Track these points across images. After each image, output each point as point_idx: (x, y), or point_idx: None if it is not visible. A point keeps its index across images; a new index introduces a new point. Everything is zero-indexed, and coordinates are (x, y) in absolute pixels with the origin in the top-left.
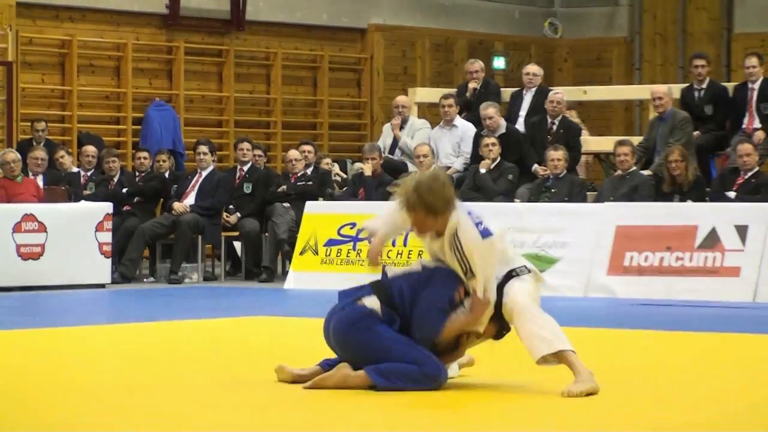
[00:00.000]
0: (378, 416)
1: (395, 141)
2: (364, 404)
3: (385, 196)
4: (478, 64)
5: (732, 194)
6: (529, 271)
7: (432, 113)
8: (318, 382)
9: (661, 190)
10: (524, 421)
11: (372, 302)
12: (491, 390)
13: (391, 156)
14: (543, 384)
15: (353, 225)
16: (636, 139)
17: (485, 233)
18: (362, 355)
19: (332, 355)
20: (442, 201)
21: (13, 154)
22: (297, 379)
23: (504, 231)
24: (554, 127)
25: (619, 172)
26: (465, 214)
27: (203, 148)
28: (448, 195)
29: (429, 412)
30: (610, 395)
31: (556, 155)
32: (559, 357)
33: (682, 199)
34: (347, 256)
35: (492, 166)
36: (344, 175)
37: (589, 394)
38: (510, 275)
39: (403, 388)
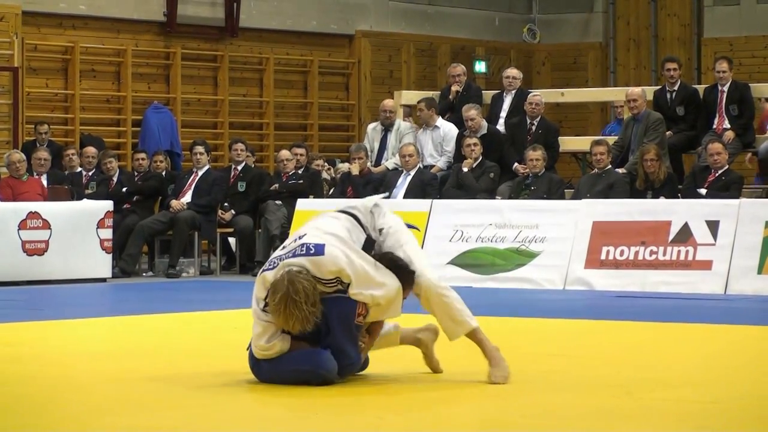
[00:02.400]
0: (371, 413)
1: (383, 144)
2: (362, 402)
3: (372, 194)
4: (460, 68)
5: (703, 191)
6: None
7: (417, 115)
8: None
9: (635, 187)
10: (500, 415)
11: None
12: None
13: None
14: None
15: None
16: (611, 139)
17: (320, 249)
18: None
19: None
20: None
21: (18, 155)
22: None
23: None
24: (533, 128)
25: (596, 170)
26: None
27: (199, 149)
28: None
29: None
30: (591, 382)
31: (535, 155)
32: (468, 334)
33: (655, 196)
34: None
35: (474, 165)
36: (334, 175)
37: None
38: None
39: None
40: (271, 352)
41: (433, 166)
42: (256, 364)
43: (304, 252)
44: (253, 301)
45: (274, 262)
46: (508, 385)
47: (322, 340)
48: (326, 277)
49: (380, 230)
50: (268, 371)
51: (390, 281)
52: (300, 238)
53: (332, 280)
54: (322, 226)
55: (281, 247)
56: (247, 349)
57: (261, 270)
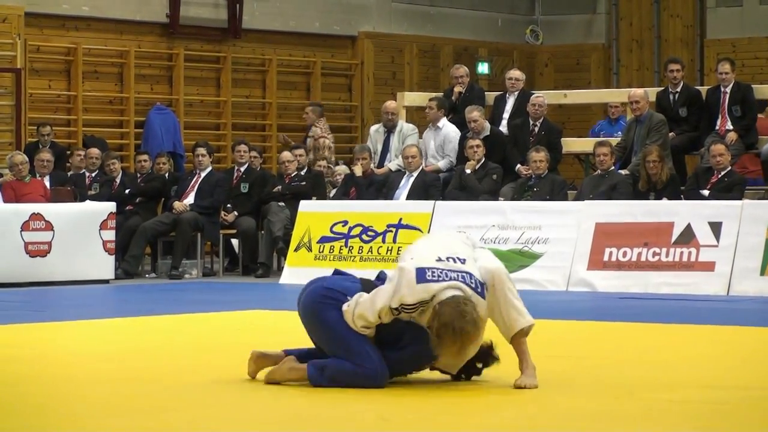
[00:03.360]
0: (373, 414)
1: (386, 145)
2: (364, 402)
3: (375, 195)
4: (463, 70)
5: (706, 192)
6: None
7: (419, 116)
8: (268, 375)
9: (638, 188)
10: (507, 416)
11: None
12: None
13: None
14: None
15: (345, 223)
16: (614, 140)
17: (483, 291)
18: (318, 332)
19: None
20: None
21: (21, 156)
22: (261, 360)
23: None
24: (536, 129)
25: (599, 171)
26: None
27: (202, 150)
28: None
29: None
30: (592, 384)
31: (538, 156)
32: (517, 337)
33: (657, 197)
34: (339, 252)
35: (477, 166)
36: (332, 178)
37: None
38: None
39: (337, 386)
40: (364, 322)
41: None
42: (320, 304)
43: (473, 287)
44: (386, 293)
45: (430, 275)
46: (506, 384)
47: (384, 350)
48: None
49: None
50: (324, 323)
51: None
52: (461, 261)
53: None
54: (471, 259)
55: (437, 257)
56: (304, 291)
57: (420, 273)
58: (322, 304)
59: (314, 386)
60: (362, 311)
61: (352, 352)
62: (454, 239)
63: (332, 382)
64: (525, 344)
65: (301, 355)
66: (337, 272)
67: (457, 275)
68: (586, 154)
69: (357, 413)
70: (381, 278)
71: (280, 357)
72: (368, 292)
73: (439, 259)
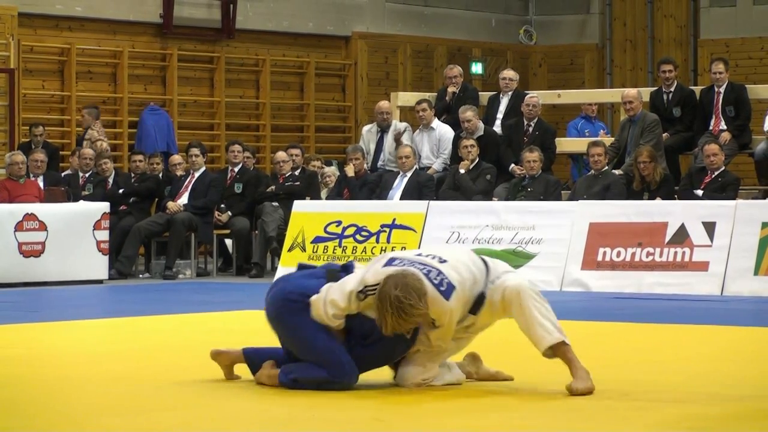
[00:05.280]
0: (368, 414)
1: (379, 145)
2: (360, 403)
3: (369, 196)
4: (456, 70)
5: (700, 192)
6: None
7: (413, 116)
8: (255, 379)
9: (632, 188)
10: (515, 418)
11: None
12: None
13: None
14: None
15: (339, 223)
16: (608, 140)
17: (449, 292)
18: (285, 336)
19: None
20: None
21: (21, 156)
22: (218, 357)
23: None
24: (530, 129)
25: (592, 171)
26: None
27: (195, 151)
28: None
29: (410, 409)
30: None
31: (532, 156)
32: (555, 350)
33: (651, 197)
34: (333, 253)
35: (471, 166)
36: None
37: (586, 393)
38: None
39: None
40: (335, 309)
41: (430, 167)
42: (286, 304)
43: (437, 283)
44: (354, 278)
45: (398, 262)
46: (501, 386)
47: (354, 347)
48: (424, 314)
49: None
50: (290, 322)
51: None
52: (440, 261)
53: (426, 320)
54: (461, 267)
55: (417, 253)
56: (270, 290)
57: (389, 260)
58: (285, 308)
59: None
60: (333, 297)
61: (321, 355)
62: (457, 252)
63: (305, 387)
64: (570, 352)
65: (262, 354)
66: (301, 266)
67: (423, 267)
68: (579, 154)
69: (352, 414)
70: (347, 268)
71: (238, 354)
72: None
73: (419, 254)
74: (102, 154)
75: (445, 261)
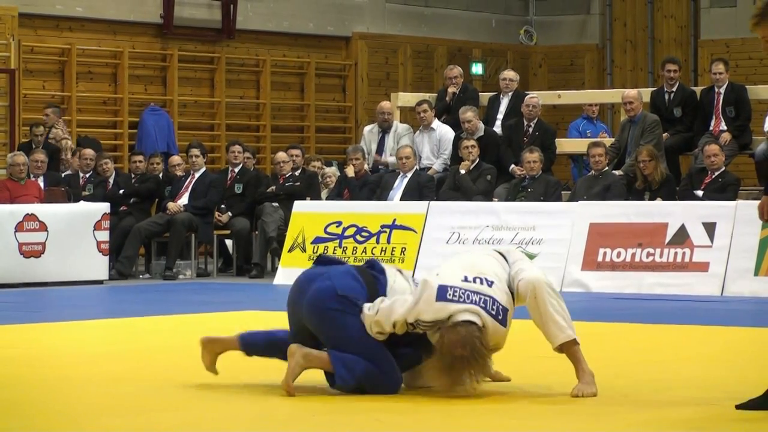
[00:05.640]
0: (368, 415)
1: (380, 145)
2: (361, 404)
3: (369, 196)
4: (457, 70)
5: (700, 193)
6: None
7: (413, 117)
8: (286, 379)
9: (633, 188)
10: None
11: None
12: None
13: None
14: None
15: (339, 223)
16: (608, 142)
17: (504, 318)
18: (335, 337)
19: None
20: None
21: (22, 157)
22: (211, 344)
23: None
24: (530, 130)
25: (593, 172)
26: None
27: (195, 151)
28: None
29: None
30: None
31: (532, 157)
32: (565, 347)
33: (653, 196)
34: (333, 253)
35: (471, 167)
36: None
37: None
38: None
39: (358, 388)
40: (379, 329)
41: (430, 168)
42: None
43: (494, 314)
44: (403, 307)
45: (451, 294)
46: (500, 387)
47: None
48: (489, 355)
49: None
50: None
51: None
52: (489, 284)
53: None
54: (501, 283)
55: (463, 277)
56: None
57: (441, 291)
58: (339, 311)
59: (336, 384)
60: (380, 319)
61: (377, 358)
62: (485, 259)
63: (358, 383)
64: (578, 352)
65: (257, 339)
66: (322, 260)
67: (479, 298)
68: (580, 155)
69: (352, 414)
70: (371, 265)
71: (233, 341)
72: (370, 286)
73: (465, 279)
74: (65, 151)
75: (492, 283)
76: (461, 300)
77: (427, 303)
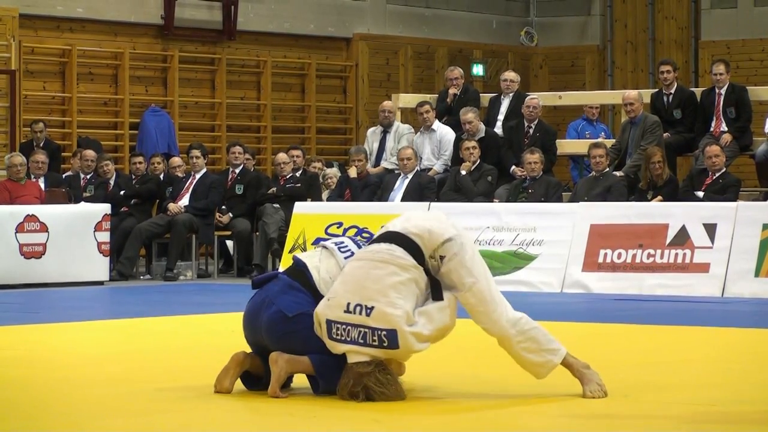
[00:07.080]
0: (367, 415)
1: (381, 146)
2: (359, 405)
3: (370, 197)
4: (458, 71)
5: (700, 194)
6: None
7: (414, 118)
8: (274, 386)
9: (634, 188)
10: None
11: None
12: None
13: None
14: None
15: (340, 224)
16: (609, 142)
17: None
18: (300, 349)
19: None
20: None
21: (20, 158)
22: (246, 361)
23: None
24: (531, 131)
25: (593, 173)
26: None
27: (196, 152)
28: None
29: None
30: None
31: (533, 158)
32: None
33: (655, 194)
34: None
35: (472, 168)
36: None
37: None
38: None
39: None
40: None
41: (431, 168)
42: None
43: (375, 343)
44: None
45: (342, 331)
46: (499, 387)
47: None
48: (385, 371)
49: (441, 257)
50: None
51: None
52: (368, 313)
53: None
54: (384, 300)
55: (346, 305)
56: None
57: (329, 327)
58: (297, 331)
59: (321, 390)
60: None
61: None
62: (382, 269)
63: (333, 380)
64: (569, 357)
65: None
66: (256, 283)
67: (358, 333)
68: (581, 156)
69: (351, 414)
70: (296, 263)
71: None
72: (307, 287)
73: (347, 308)
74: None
75: (371, 310)
76: (344, 339)
77: (324, 338)
